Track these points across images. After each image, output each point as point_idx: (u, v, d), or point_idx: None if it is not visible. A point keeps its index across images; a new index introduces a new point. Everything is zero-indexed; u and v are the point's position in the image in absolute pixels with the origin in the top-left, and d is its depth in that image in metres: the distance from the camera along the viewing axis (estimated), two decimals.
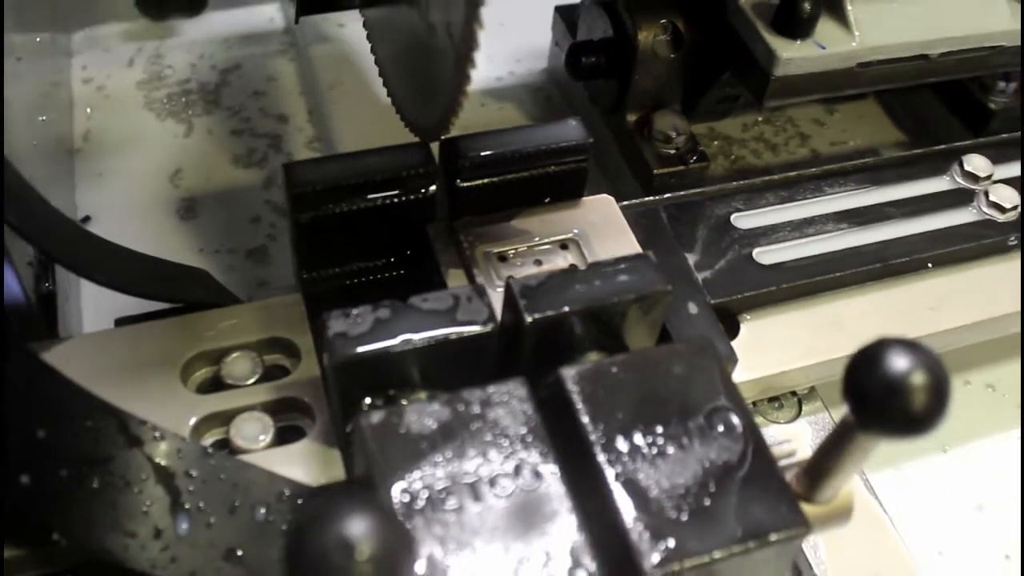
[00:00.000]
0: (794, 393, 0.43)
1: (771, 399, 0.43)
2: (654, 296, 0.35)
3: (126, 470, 0.33)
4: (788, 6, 0.45)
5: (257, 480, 0.34)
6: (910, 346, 0.26)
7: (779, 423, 0.43)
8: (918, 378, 0.25)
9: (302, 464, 0.35)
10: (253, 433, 0.36)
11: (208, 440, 0.37)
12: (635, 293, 0.35)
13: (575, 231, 0.41)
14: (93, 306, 0.49)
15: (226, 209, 0.56)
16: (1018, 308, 0.44)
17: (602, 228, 0.41)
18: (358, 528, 0.20)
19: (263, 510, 0.34)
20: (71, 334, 0.44)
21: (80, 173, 0.57)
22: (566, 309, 0.34)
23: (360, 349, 0.32)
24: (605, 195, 0.43)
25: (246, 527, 0.34)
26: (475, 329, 0.33)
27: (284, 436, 0.37)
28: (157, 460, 0.34)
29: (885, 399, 0.26)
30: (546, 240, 0.41)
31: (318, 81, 0.63)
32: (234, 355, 0.38)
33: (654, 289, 0.35)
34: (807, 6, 0.45)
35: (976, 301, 0.44)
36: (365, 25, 0.49)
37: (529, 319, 0.33)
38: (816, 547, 0.39)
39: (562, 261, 0.40)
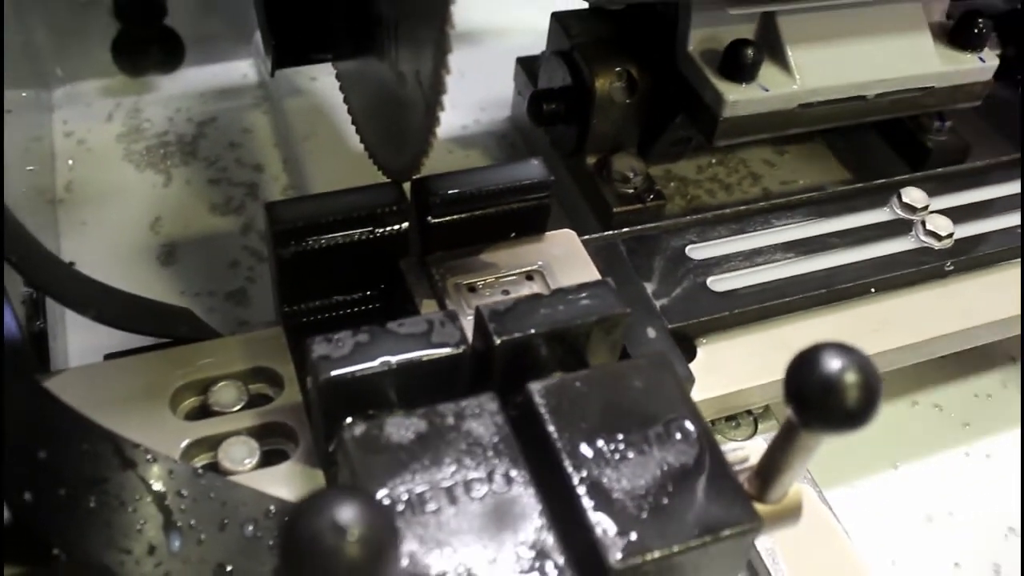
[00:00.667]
0: (750, 412, 0.46)
1: (728, 418, 0.46)
2: (614, 318, 0.38)
3: (121, 490, 0.35)
4: (733, 53, 0.49)
5: (245, 499, 0.36)
6: (843, 349, 0.28)
7: (736, 440, 0.45)
8: (851, 377, 0.28)
9: (287, 483, 0.37)
10: (240, 456, 0.38)
11: (197, 463, 0.39)
12: (596, 315, 0.37)
13: (539, 263, 0.44)
14: (78, 345, 0.51)
15: (205, 254, 0.58)
16: (954, 329, 0.47)
17: (565, 260, 0.44)
18: (348, 513, 0.23)
19: (251, 527, 0.36)
20: (61, 369, 0.46)
21: (63, 222, 0.59)
22: (532, 331, 0.36)
23: (342, 370, 0.34)
24: (567, 229, 0.45)
25: (235, 543, 0.35)
26: (448, 351, 0.36)
27: (269, 458, 0.39)
28: (150, 481, 0.36)
29: (823, 398, 0.28)
30: (512, 272, 0.43)
31: (292, 132, 0.65)
32: (220, 384, 0.40)
33: (614, 311, 0.38)
34: (750, 52, 0.48)
35: (916, 323, 0.47)
36: (338, 77, 0.52)
37: (498, 341, 0.36)
38: (773, 554, 0.41)
39: (528, 291, 0.43)
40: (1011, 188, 0.54)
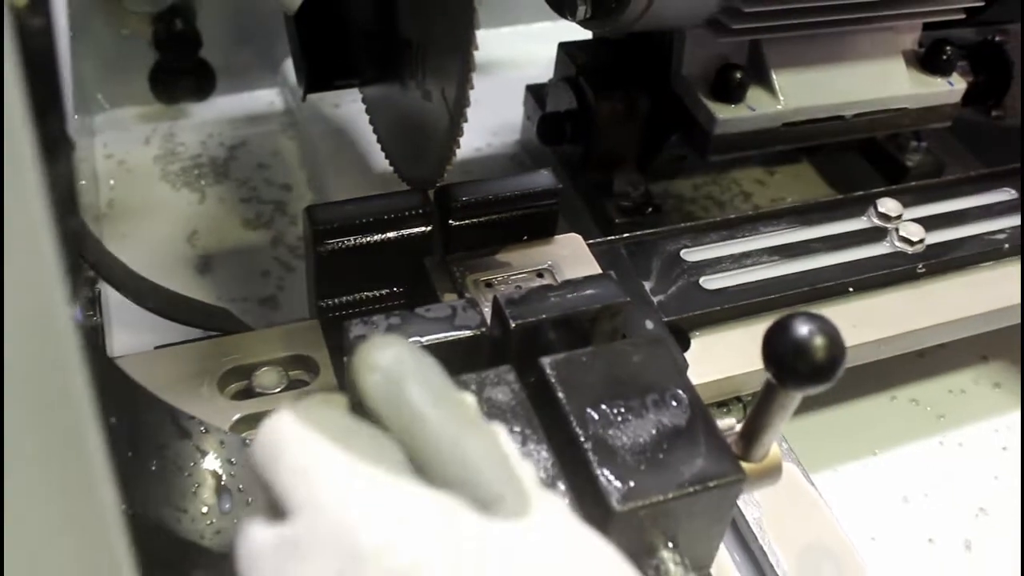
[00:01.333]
0: (739, 399, 0.51)
1: (719, 404, 0.50)
2: (616, 306, 0.42)
3: (178, 456, 0.40)
4: (723, 76, 0.54)
5: None
6: (811, 316, 0.33)
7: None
8: (818, 339, 0.33)
9: None
10: None
11: (244, 436, 0.43)
12: (600, 303, 0.42)
13: (549, 263, 0.48)
14: (122, 342, 0.56)
15: (239, 265, 0.63)
16: (925, 325, 0.52)
17: (571, 261, 0.49)
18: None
19: None
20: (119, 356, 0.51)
21: (107, 235, 0.64)
22: (544, 316, 0.41)
23: None
24: (574, 234, 0.50)
25: None
26: (469, 332, 0.40)
27: None
28: (204, 449, 0.40)
29: (795, 358, 0.33)
30: (524, 270, 0.48)
31: (317, 154, 0.70)
32: (263, 369, 0.45)
33: (616, 300, 0.42)
34: (739, 75, 0.54)
35: (891, 319, 0.52)
36: (364, 100, 0.58)
37: (514, 324, 0.41)
38: (760, 523, 0.46)
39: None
40: (978, 200, 0.59)
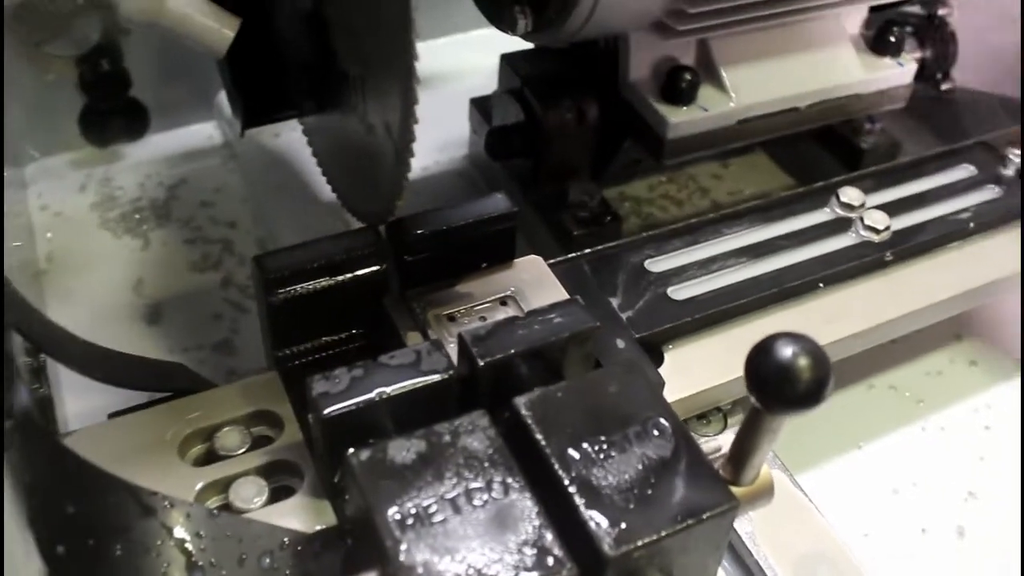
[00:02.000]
0: (719, 409, 0.49)
1: (699, 417, 0.49)
2: (585, 332, 0.41)
3: (144, 536, 0.38)
4: (672, 78, 0.53)
5: (260, 533, 0.39)
6: (794, 337, 0.32)
7: (708, 436, 0.48)
8: (803, 361, 0.31)
9: (297, 516, 0.40)
10: (250, 495, 0.41)
11: (211, 505, 0.41)
12: (569, 331, 0.40)
13: (511, 289, 0.47)
14: (76, 408, 0.53)
15: (189, 311, 0.61)
16: (900, 314, 0.51)
17: (534, 284, 0.47)
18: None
19: (268, 559, 0.38)
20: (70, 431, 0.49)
21: (48, 292, 0.61)
22: (512, 351, 0.39)
23: (341, 404, 0.37)
24: (534, 256, 0.49)
25: None
26: (437, 377, 0.39)
27: (277, 494, 0.41)
28: (170, 525, 0.38)
29: (780, 382, 0.32)
30: (487, 299, 0.46)
31: (261, 187, 0.68)
32: (224, 430, 0.43)
33: (585, 326, 0.41)
34: (688, 76, 0.52)
35: (864, 311, 0.51)
36: (305, 132, 0.56)
37: (482, 363, 0.39)
38: (753, 537, 0.44)
39: (503, 315, 0.46)
40: (939, 180, 0.58)
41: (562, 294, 0.47)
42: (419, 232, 0.45)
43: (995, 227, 0.56)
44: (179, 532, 0.38)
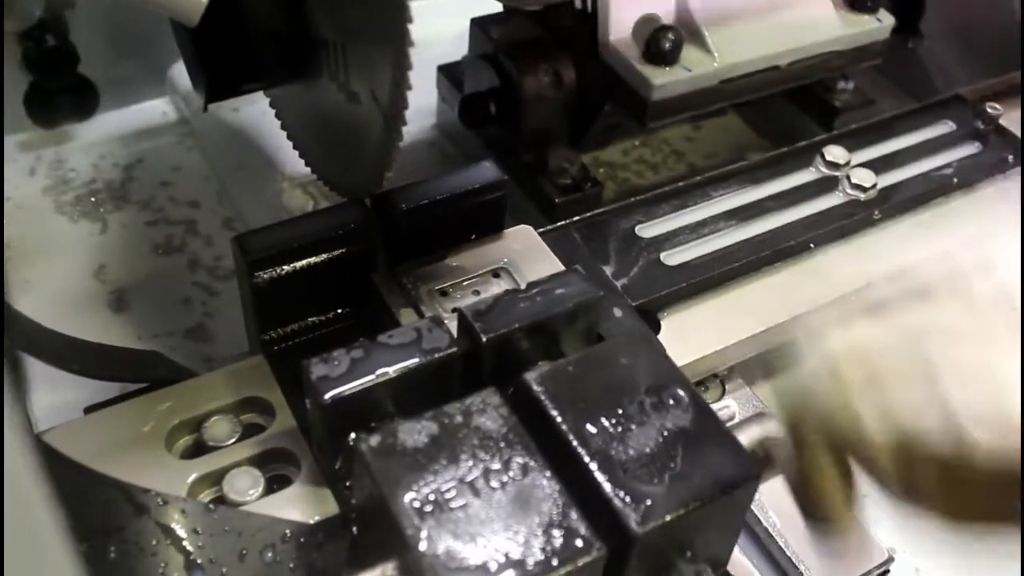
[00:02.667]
0: (716, 375, 0.49)
1: (697, 383, 0.48)
2: (589, 303, 0.40)
3: (138, 537, 0.36)
4: (655, 39, 0.51)
5: (259, 526, 0.37)
6: None
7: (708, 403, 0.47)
8: None
9: (296, 506, 0.38)
10: (245, 486, 0.39)
11: (204, 499, 0.39)
12: (572, 302, 0.39)
13: (504, 260, 0.45)
14: (45, 403, 0.51)
15: (156, 296, 0.58)
16: (893, 271, 0.50)
17: (527, 254, 0.46)
18: None
19: (270, 553, 0.37)
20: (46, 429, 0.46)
21: (8, 283, 0.58)
22: (516, 325, 0.38)
23: (343, 387, 0.35)
24: (524, 225, 0.47)
25: (256, 571, 0.36)
26: (441, 355, 0.37)
27: (273, 484, 0.40)
28: (165, 523, 0.36)
29: None
30: (479, 272, 0.45)
31: (223, 164, 0.66)
32: (213, 419, 0.41)
33: (587, 297, 0.40)
34: (671, 36, 0.51)
35: (857, 270, 0.50)
36: (273, 104, 0.53)
37: (485, 339, 0.37)
38: (761, 506, 0.44)
39: (497, 289, 0.44)
40: (919, 136, 0.58)
41: (556, 264, 0.46)
42: (407, 205, 0.43)
43: (979, 181, 0.56)
44: (175, 530, 0.36)
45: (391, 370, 0.36)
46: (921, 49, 0.69)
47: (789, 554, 0.43)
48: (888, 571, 0.45)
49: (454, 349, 0.37)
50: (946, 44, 0.69)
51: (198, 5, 0.37)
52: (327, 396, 0.35)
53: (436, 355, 0.37)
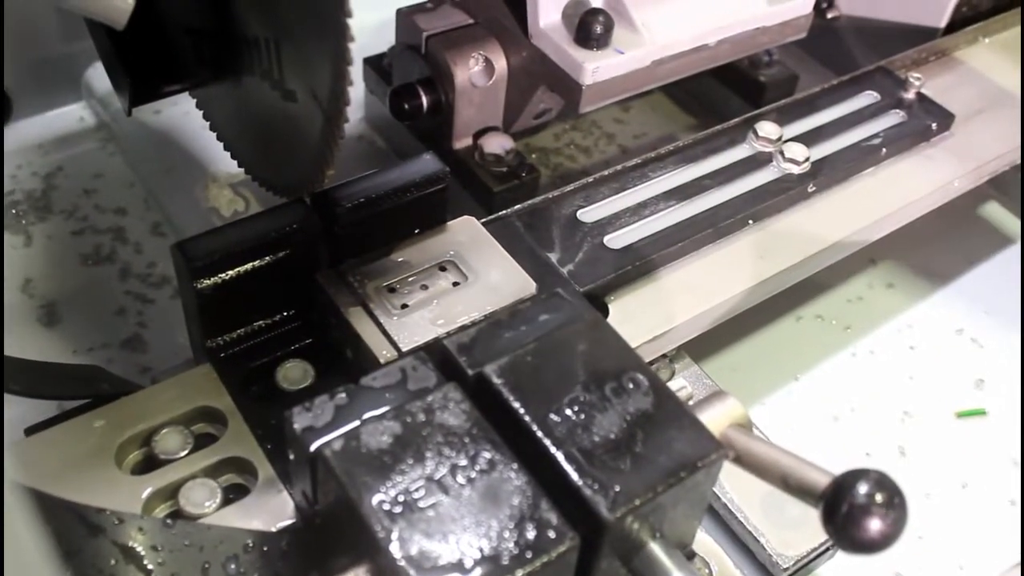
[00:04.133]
0: (664, 355, 0.49)
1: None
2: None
3: (95, 559, 0.35)
4: (586, 22, 0.51)
5: (220, 538, 0.36)
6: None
7: None
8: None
9: (256, 515, 0.37)
10: (201, 499, 0.38)
11: (160, 514, 0.38)
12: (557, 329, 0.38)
13: (451, 253, 0.45)
14: None
15: (88, 308, 0.57)
16: (829, 243, 0.51)
17: (472, 246, 0.45)
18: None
19: (233, 565, 0.36)
20: None
21: None
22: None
23: (329, 438, 0.33)
24: (467, 216, 0.47)
25: None
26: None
27: (229, 495, 0.39)
28: (122, 543, 0.35)
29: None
30: (426, 266, 0.44)
31: (148, 168, 0.64)
32: (163, 432, 0.40)
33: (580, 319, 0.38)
34: (602, 19, 0.51)
35: (794, 244, 0.51)
36: (200, 104, 0.52)
37: (471, 373, 0.36)
38: (719, 482, 0.44)
39: (444, 282, 0.44)
40: (846, 108, 0.59)
41: (502, 254, 0.45)
42: (349, 203, 0.43)
43: (905, 150, 0.57)
44: (134, 548, 0.35)
45: (378, 415, 0.35)
46: (840, 23, 0.70)
47: (749, 527, 0.43)
48: None
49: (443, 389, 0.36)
50: (859, 17, 0.70)
51: (125, 7, 0.35)
52: (312, 448, 0.34)
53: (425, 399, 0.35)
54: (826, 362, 0.57)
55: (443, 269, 0.45)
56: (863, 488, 0.32)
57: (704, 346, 0.53)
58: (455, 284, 0.44)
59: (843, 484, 0.32)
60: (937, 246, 0.64)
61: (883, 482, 0.32)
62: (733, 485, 0.45)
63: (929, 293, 0.61)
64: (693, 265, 0.50)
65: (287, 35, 0.39)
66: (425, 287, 0.44)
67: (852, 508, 0.32)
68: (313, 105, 0.38)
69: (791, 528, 0.45)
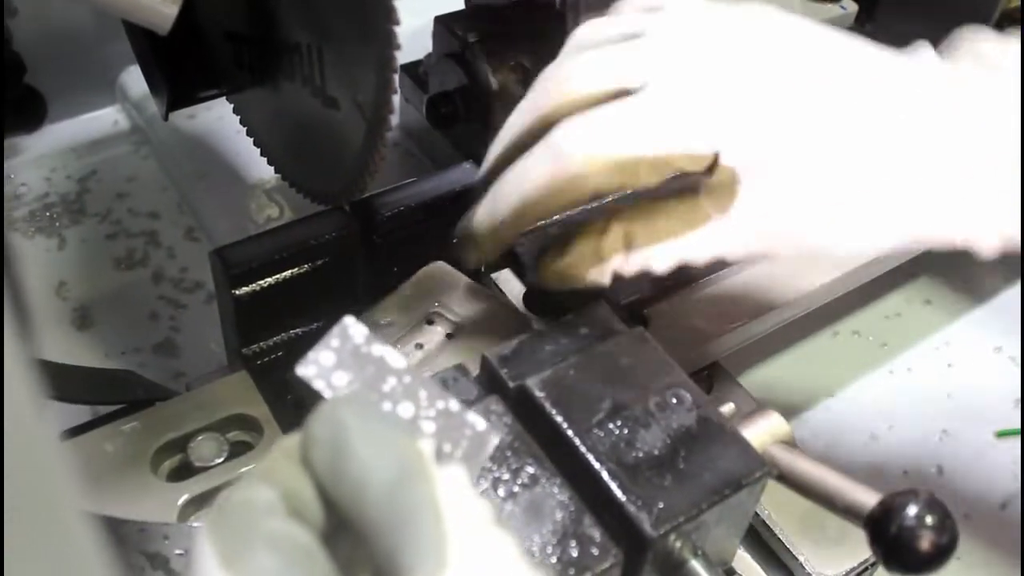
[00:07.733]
0: (703, 369, 0.48)
1: None
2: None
3: (123, 569, 0.34)
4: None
5: None
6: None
7: None
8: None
9: None
10: None
11: (194, 522, 0.38)
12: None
13: (435, 304, 0.44)
14: None
15: (121, 311, 0.57)
16: (871, 256, 0.51)
17: (450, 291, 0.44)
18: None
19: None
20: None
21: None
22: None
23: None
24: (437, 262, 0.44)
25: None
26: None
27: None
28: (149, 551, 0.35)
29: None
30: (413, 324, 0.43)
31: (181, 173, 0.64)
32: (198, 439, 0.40)
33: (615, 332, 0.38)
34: None
35: (835, 256, 0.50)
36: (236, 109, 0.52)
37: (512, 385, 0.36)
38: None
39: (438, 337, 0.43)
40: None
41: (481, 293, 0.44)
42: (389, 210, 0.42)
43: None
44: (159, 554, 0.35)
45: None
46: (879, 36, 0.69)
47: (787, 545, 0.43)
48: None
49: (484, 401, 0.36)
50: (902, 29, 0.69)
51: (170, 13, 0.35)
52: None
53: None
54: (863, 379, 0.56)
55: (431, 323, 0.44)
56: (912, 510, 0.31)
57: (740, 360, 0.52)
58: (449, 336, 0.43)
59: (892, 505, 0.32)
60: (975, 263, 0.63)
61: (933, 504, 0.32)
62: (771, 501, 0.44)
63: (967, 310, 0.60)
64: (728, 281, 0.49)
65: (330, 41, 0.39)
66: (420, 346, 0.43)
67: (902, 530, 0.31)
68: (355, 112, 0.38)
69: (830, 546, 0.44)
